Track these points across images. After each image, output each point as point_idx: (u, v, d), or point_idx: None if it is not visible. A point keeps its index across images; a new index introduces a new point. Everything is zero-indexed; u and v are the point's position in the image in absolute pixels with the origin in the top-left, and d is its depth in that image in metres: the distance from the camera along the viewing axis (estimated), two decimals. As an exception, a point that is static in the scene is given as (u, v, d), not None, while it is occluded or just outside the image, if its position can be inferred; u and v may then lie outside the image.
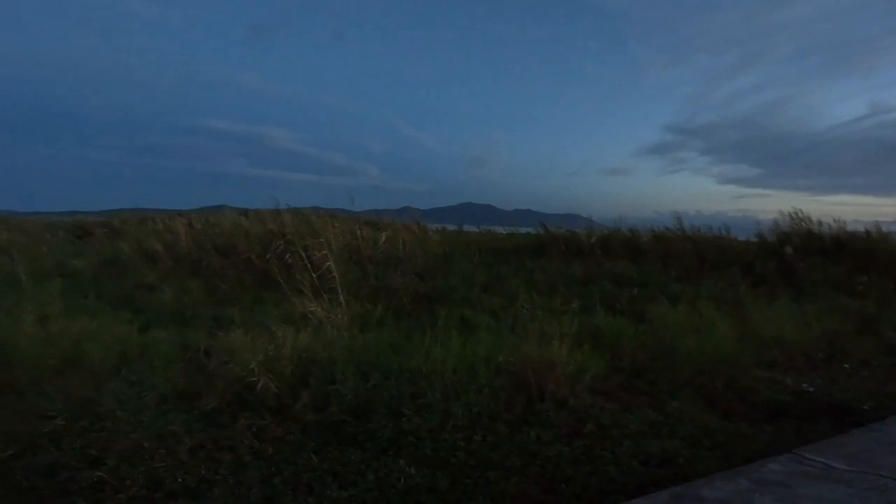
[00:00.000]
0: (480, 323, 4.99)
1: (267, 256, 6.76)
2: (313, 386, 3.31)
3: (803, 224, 9.53)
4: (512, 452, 2.86)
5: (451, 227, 13.00)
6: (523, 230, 12.96)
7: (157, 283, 6.60)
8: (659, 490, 2.46)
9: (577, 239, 10.35)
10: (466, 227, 12.96)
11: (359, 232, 7.47)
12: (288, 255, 6.17)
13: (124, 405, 3.06)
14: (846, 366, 4.73)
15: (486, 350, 3.80)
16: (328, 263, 4.54)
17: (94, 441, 2.79)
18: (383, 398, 3.21)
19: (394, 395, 3.23)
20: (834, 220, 9.43)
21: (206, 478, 2.55)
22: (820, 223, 9.47)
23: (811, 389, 4.07)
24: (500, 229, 13.01)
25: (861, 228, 9.32)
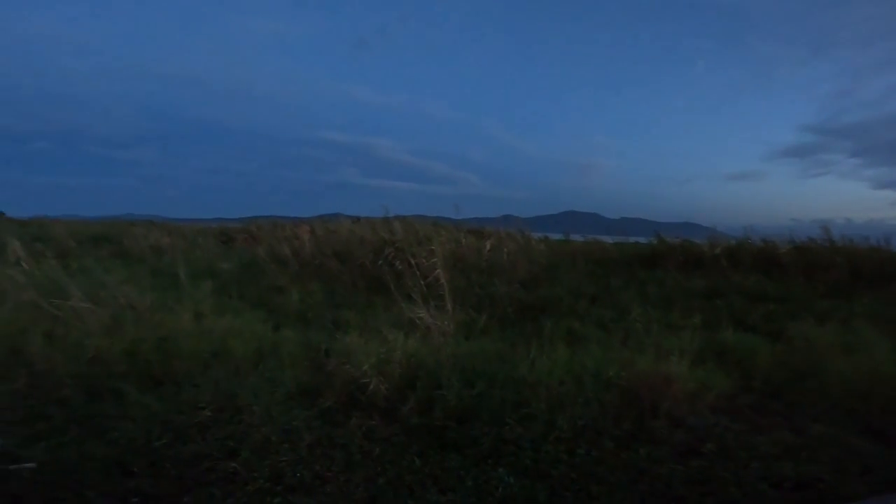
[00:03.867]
0: (589, 335, 4.79)
1: (379, 262, 7.15)
2: (420, 390, 3.39)
3: None
4: (617, 468, 2.72)
5: (555, 237, 12.72)
6: (633, 240, 12.31)
7: (286, 285, 7.20)
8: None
9: (697, 250, 9.49)
10: (572, 237, 12.58)
11: (463, 240, 7.60)
12: (398, 262, 6.48)
13: (259, 399, 3.27)
14: None
15: (595, 363, 3.64)
16: (437, 271, 4.68)
17: (232, 433, 2.97)
18: (487, 406, 3.21)
19: (497, 404, 3.22)
20: None
21: (320, 474, 2.67)
22: None
23: None
24: (607, 239, 12.46)
25: None
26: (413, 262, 5.01)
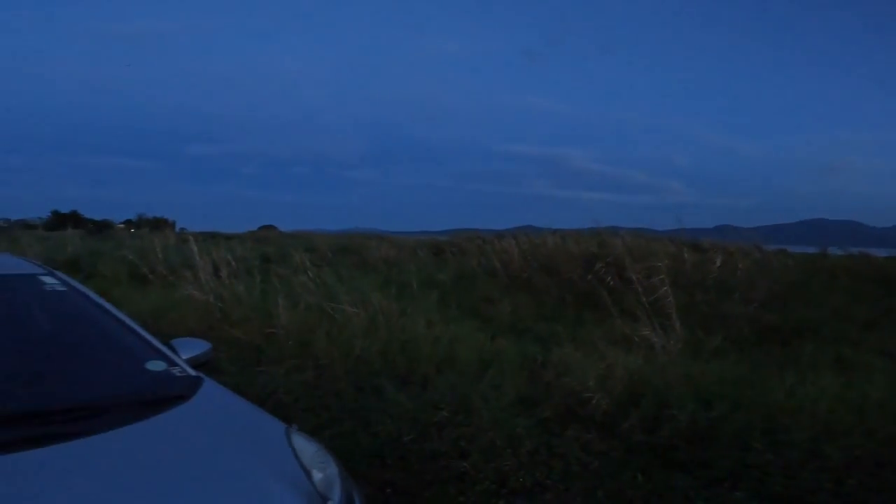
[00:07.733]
0: (868, 363, 4.02)
1: (588, 277, 7.00)
2: (644, 408, 3.27)
3: None
4: (904, 500, 2.30)
5: (793, 249, 10.63)
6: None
7: (496, 297, 7.40)
8: None
9: None
10: (831, 250, 10.28)
11: (685, 255, 6.93)
12: (609, 278, 6.25)
13: (487, 404, 3.37)
14: None
15: (881, 393, 3.11)
16: (665, 288, 4.41)
17: (464, 434, 3.08)
18: (728, 429, 2.97)
19: (742, 428, 2.97)
20: None
21: (540, 481, 2.71)
22: None
23: None
24: (878, 252, 9.87)
25: None
26: (634, 277, 4.81)
